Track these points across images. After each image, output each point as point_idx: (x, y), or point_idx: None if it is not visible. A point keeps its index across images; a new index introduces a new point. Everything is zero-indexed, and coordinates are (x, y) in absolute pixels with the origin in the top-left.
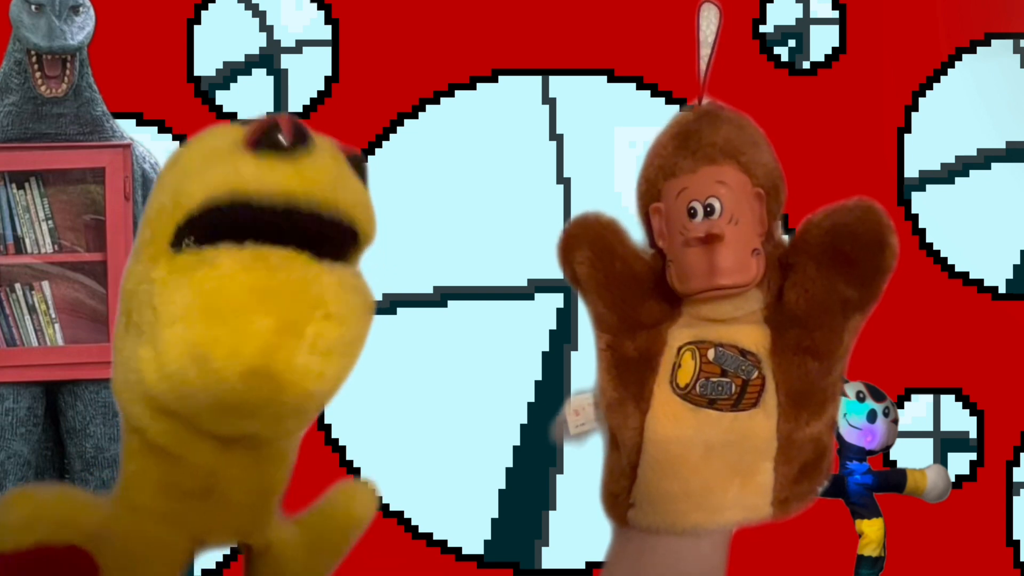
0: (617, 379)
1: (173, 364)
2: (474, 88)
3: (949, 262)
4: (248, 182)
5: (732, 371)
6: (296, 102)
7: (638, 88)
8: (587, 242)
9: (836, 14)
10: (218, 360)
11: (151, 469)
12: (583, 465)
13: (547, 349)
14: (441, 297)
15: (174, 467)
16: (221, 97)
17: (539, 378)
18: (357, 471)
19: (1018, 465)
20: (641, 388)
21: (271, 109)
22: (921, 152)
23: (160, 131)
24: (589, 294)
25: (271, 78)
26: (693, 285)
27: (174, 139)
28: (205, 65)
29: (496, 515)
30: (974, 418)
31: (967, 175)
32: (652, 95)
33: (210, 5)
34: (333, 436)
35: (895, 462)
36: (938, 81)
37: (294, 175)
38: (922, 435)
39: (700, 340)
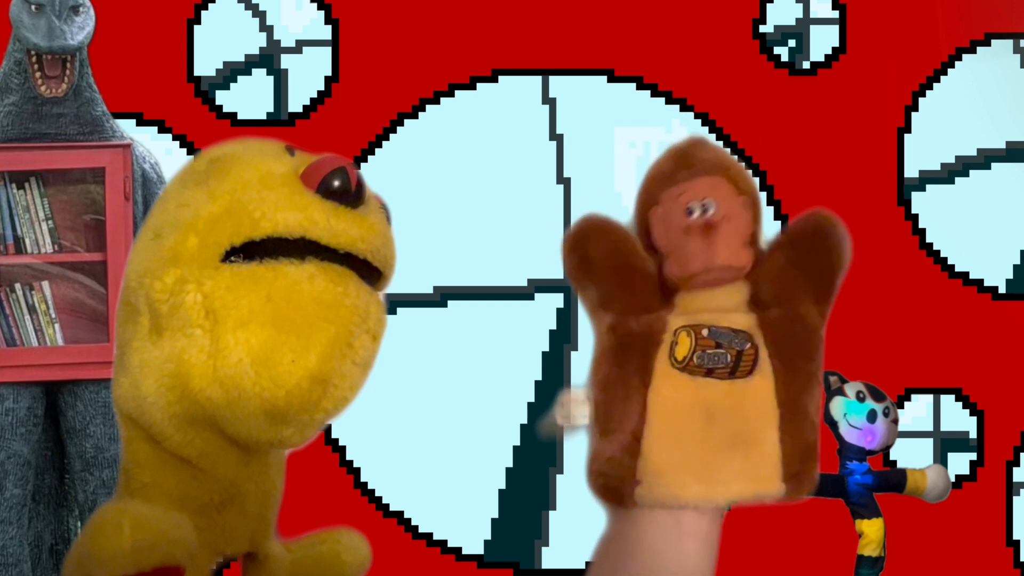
0: (620, 356)
1: (232, 367)
2: (474, 88)
3: (949, 262)
4: (319, 228)
5: (726, 344)
6: (296, 102)
7: (638, 88)
8: (603, 231)
9: (836, 14)
10: (283, 364)
11: (167, 481)
12: (583, 465)
13: (547, 349)
14: (441, 297)
15: (194, 479)
16: (221, 97)
17: (539, 378)
18: (357, 471)
19: (1018, 465)
20: (645, 362)
21: (271, 109)
22: (921, 152)
23: (160, 131)
24: (599, 274)
25: (271, 78)
26: (692, 267)
27: (174, 139)
28: (205, 65)
29: (496, 515)
30: (974, 418)
31: (967, 175)
32: (652, 95)
33: (210, 5)
34: (333, 436)
35: (895, 462)
36: (938, 81)
37: (357, 229)
38: (922, 435)
39: (694, 323)
